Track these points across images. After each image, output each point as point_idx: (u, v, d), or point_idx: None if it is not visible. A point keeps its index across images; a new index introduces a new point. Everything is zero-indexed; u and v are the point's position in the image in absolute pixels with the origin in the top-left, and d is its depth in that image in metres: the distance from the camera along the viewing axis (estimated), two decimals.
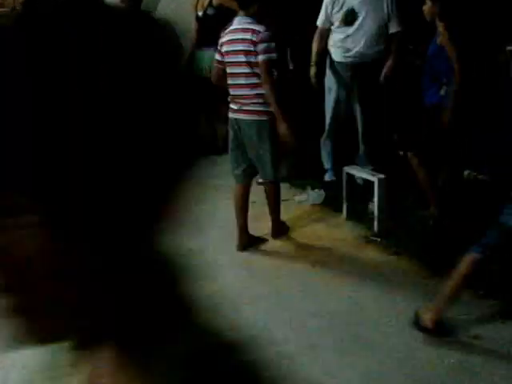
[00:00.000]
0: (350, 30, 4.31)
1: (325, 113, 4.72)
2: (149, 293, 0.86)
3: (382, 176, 3.96)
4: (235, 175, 3.92)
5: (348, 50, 4.37)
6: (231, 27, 3.66)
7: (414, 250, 3.68)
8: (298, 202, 4.64)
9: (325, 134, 4.74)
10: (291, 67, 5.09)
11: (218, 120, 5.86)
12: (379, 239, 3.87)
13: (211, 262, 3.74)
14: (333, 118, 4.61)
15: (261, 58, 3.53)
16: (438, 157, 3.83)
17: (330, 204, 4.49)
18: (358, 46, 4.33)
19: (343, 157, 4.60)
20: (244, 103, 3.67)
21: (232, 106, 3.77)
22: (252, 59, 3.56)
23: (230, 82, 3.72)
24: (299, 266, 3.66)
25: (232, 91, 3.74)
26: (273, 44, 3.55)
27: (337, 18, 4.36)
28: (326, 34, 4.53)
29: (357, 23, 4.28)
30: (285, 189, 4.88)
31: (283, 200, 4.62)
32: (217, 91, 5.72)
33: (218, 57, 3.78)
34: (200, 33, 5.59)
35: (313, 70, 4.51)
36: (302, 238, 3.78)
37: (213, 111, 5.88)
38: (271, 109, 3.59)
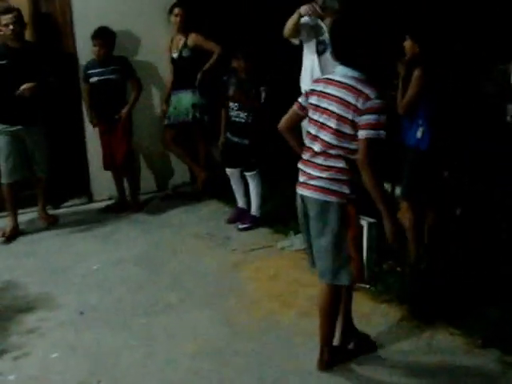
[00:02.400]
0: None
1: None
2: None
3: (372, 220, 3.79)
4: (308, 257, 3.10)
5: None
6: (330, 76, 2.80)
7: (405, 297, 3.51)
8: (280, 248, 4.46)
9: None
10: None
11: (198, 163, 5.71)
12: (368, 286, 3.69)
13: (190, 317, 3.54)
14: None
15: (363, 134, 2.62)
16: (424, 199, 3.71)
17: None
18: None
19: None
20: (311, 176, 2.80)
21: (299, 175, 2.90)
22: (346, 130, 2.66)
23: (306, 142, 2.88)
24: (284, 319, 3.44)
25: (305, 155, 2.87)
26: (383, 117, 2.62)
27: None
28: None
29: None
30: (267, 234, 4.72)
31: (265, 247, 4.45)
32: (196, 134, 5.63)
33: (301, 99, 2.89)
34: (176, 75, 5.47)
35: None
36: (285, 286, 3.58)
37: (193, 154, 5.73)
38: (345, 190, 2.75)
